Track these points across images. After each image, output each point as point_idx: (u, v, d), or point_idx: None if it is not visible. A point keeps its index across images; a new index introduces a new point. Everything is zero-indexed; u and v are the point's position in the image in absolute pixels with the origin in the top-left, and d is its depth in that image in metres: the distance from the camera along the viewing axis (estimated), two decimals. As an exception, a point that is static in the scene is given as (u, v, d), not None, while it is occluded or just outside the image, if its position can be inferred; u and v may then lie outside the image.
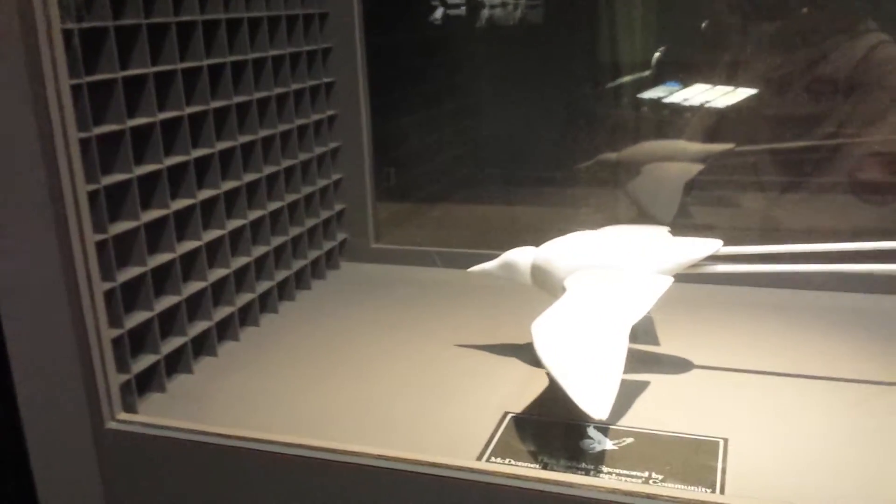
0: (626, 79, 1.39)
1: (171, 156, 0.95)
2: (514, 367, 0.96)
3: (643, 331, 1.03)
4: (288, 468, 0.77)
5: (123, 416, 0.82)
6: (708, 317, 1.07)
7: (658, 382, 0.91)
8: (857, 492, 0.72)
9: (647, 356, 0.98)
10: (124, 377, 0.85)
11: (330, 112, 1.26)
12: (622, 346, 0.77)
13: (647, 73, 1.36)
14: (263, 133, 1.10)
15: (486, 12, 1.45)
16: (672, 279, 0.87)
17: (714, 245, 0.90)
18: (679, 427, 0.82)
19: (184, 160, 0.96)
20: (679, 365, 0.95)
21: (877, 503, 0.70)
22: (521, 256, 0.96)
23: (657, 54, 1.35)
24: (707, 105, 1.30)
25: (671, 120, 1.34)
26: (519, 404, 0.87)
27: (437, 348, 1.02)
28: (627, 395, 0.88)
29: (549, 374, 0.75)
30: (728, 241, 0.91)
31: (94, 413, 0.80)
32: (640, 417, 0.84)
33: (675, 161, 1.33)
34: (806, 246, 0.90)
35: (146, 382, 0.91)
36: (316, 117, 1.22)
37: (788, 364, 0.94)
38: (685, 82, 1.32)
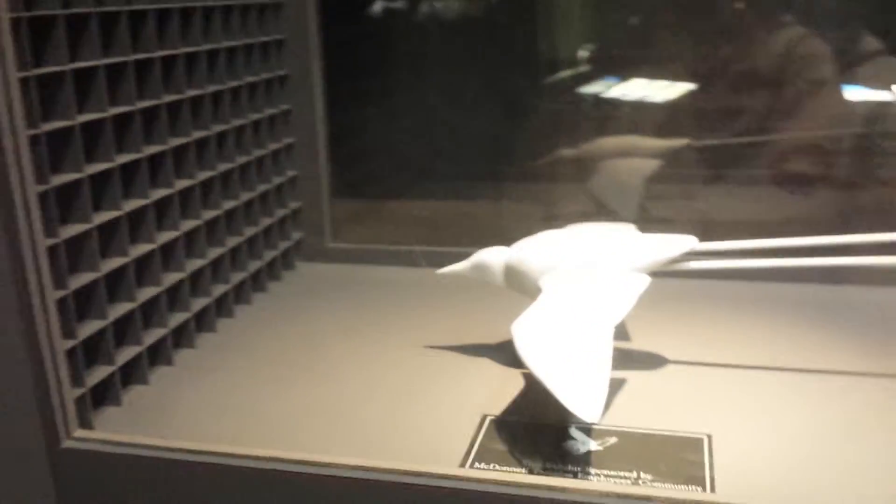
0: (567, 73, 1.38)
1: (122, 153, 0.89)
2: (487, 367, 0.93)
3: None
4: (260, 483, 0.73)
5: (80, 433, 0.77)
6: (676, 311, 1.07)
7: (633, 379, 0.90)
8: (843, 484, 0.71)
9: (618, 352, 0.96)
10: (79, 391, 0.80)
11: (284, 107, 1.21)
12: (607, 346, 0.75)
13: (586, 68, 1.35)
14: (217, 129, 1.05)
15: (425, 6, 1.42)
16: (650, 278, 0.86)
17: (689, 242, 0.89)
18: (660, 424, 0.80)
19: (136, 157, 0.90)
20: (652, 361, 0.94)
21: (862, 495, 0.70)
22: (494, 257, 0.94)
23: (582, 52, 1.35)
24: (646, 100, 1.30)
25: (612, 115, 1.34)
26: (496, 406, 0.84)
27: (406, 350, 0.98)
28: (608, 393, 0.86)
29: (532, 377, 0.73)
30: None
31: (48, 432, 0.74)
32: (621, 416, 0.82)
33: (631, 157, 1.32)
34: (779, 241, 0.89)
35: (101, 396, 0.85)
36: (270, 112, 1.18)
37: (763, 357, 0.93)
38: (624, 77, 1.32)
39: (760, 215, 1.25)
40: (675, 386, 0.88)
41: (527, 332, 0.77)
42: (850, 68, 1.18)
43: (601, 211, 1.31)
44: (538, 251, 0.91)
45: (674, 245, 0.89)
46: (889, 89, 1.18)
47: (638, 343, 0.98)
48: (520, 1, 1.39)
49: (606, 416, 0.82)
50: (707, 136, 1.27)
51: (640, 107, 1.30)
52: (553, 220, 1.24)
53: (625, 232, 0.96)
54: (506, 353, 0.96)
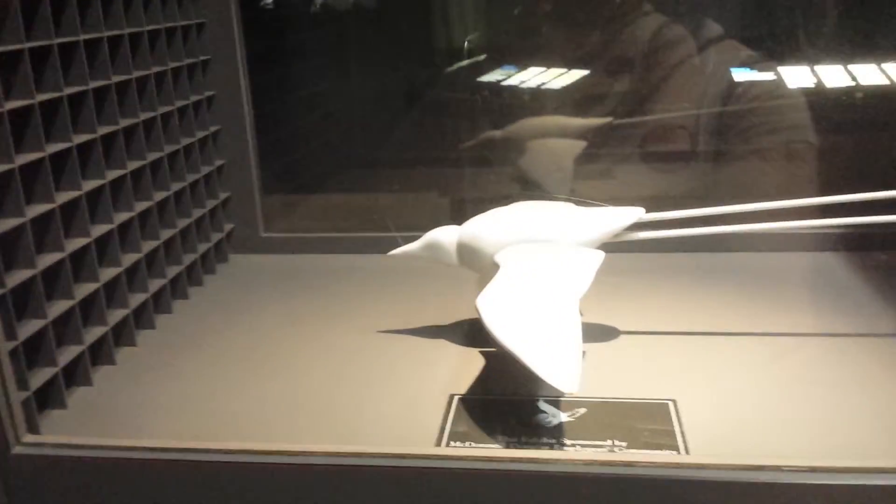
0: (464, 63, 1.39)
1: (51, 143, 0.84)
2: (445, 347, 0.93)
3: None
4: (225, 477, 0.70)
5: (30, 437, 0.72)
6: (619, 284, 1.08)
7: (592, 351, 0.90)
8: (800, 433, 0.74)
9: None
10: (24, 394, 0.75)
11: (208, 93, 1.17)
12: (576, 318, 0.75)
13: (482, 57, 1.37)
14: (144, 116, 1.00)
15: None
16: (603, 254, 0.86)
17: (636, 213, 0.91)
18: (625, 393, 0.81)
19: (66, 147, 0.85)
20: (606, 332, 0.95)
21: (818, 443, 0.73)
22: (445, 235, 0.93)
23: (466, 43, 1.36)
24: (544, 86, 1.33)
25: (513, 103, 1.36)
26: (462, 385, 0.84)
27: (358, 337, 0.96)
28: (564, 366, 0.87)
29: (499, 352, 0.72)
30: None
31: (-4, 438, 0.70)
32: (586, 387, 0.81)
33: (557, 137, 1.34)
34: (720, 209, 0.92)
35: (44, 399, 0.80)
36: (194, 98, 1.13)
37: (711, 323, 0.96)
38: (521, 65, 1.34)
39: (657, 188, 1.30)
40: (632, 355, 0.90)
41: (494, 308, 0.77)
42: (700, 52, 1.24)
43: (530, 189, 1.32)
44: (491, 227, 0.91)
45: (622, 216, 0.91)
46: (734, 69, 1.24)
47: (589, 316, 0.99)
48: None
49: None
50: (602, 115, 1.31)
51: (538, 93, 1.33)
52: (484, 202, 1.24)
53: (570, 207, 0.97)
54: (462, 333, 0.96)
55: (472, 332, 0.95)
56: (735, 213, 0.92)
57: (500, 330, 0.74)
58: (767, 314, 0.98)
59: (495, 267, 0.86)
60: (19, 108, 0.78)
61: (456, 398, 0.81)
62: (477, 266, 0.91)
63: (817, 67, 1.21)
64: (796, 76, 1.22)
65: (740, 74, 1.24)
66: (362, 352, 0.92)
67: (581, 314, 0.99)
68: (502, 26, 1.38)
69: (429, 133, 1.39)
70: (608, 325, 0.97)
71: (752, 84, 1.24)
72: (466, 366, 0.88)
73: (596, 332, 0.95)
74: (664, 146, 1.29)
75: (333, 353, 0.93)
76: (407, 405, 0.81)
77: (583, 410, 0.78)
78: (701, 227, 0.93)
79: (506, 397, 0.81)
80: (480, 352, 0.91)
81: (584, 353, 0.89)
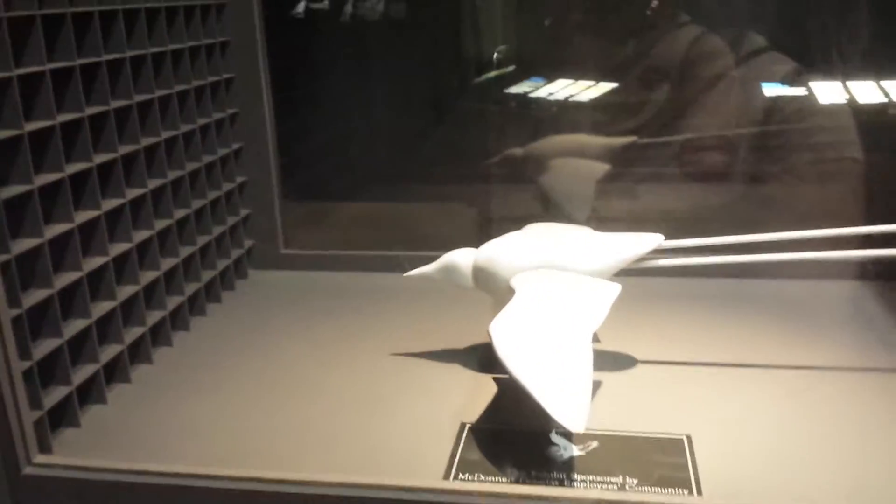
0: (492, 74, 1.38)
1: (71, 163, 0.85)
2: (459, 373, 0.92)
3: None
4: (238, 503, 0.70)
5: (41, 458, 0.72)
6: (638, 310, 1.06)
7: (607, 380, 0.89)
8: (818, 476, 0.72)
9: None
10: (37, 414, 0.75)
11: (231, 110, 1.17)
12: (588, 354, 0.74)
13: (510, 68, 1.36)
14: (166, 134, 1.01)
15: (349, 7, 1.40)
16: (619, 287, 0.85)
17: (655, 239, 0.90)
18: (639, 426, 0.80)
19: (86, 167, 0.86)
20: (622, 361, 0.94)
21: (836, 485, 0.71)
22: (462, 258, 0.92)
23: (495, 54, 1.35)
24: (572, 98, 1.31)
25: (540, 116, 1.35)
26: (473, 414, 0.83)
27: (372, 359, 0.96)
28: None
29: (511, 381, 0.71)
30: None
31: (7, 458, 0.70)
32: (599, 419, 0.81)
33: (580, 155, 1.33)
34: (742, 237, 0.90)
35: (58, 418, 0.81)
36: (217, 116, 1.14)
37: (731, 354, 0.94)
38: (549, 77, 1.33)
39: (686, 209, 1.28)
40: (648, 386, 0.89)
41: (506, 335, 0.76)
42: (741, 64, 1.22)
43: (550, 209, 1.31)
44: (508, 251, 0.90)
45: (641, 243, 0.90)
46: (778, 83, 1.21)
47: (606, 344, 0.98)
48: (449, 6, 1.38)
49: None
50: (631, 131, 1.29)
51: (566, 106, 1.31)
52: (508, 221, 1.23)
53: (584, 233, 0.96)
54: (475, 358, 0.95)
55: (487, 358, 0.94)
56: (760, 241, 0.90)
57: (512, 360, 0.73)
58: (791, 345, 0.96)
59: (511, 291, 0.85)
60: (40, 130, 0.79)
61: (467, 427, 0.80)
62: (492, 290, 0.91)
63: (864, 82, 1.17)
64: (842, 90, 1.18)
65: (783, 89, 1.21)
66: (376, 375, 0.92)
67: (597, 340, 0.99)
68: (533, 37, 1.37)
69: (455, 148, 1.39)
70: (625, 353, 0.96)
71: (794, 99, 1.20)
72: (479, 393, 0.87)
73: (612, 361, 0.94)
74: (700, 166, 1.26)
75: (347, 376, 0.92)
76: (418, 433, 0.80)
77: (595, 444, 0.77)
78: (722, 254, 0.92)
79: (517, 428, 0.80)
80: (494, 378, 0.90)
81: (599, 382, 0.88)
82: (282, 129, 1.24)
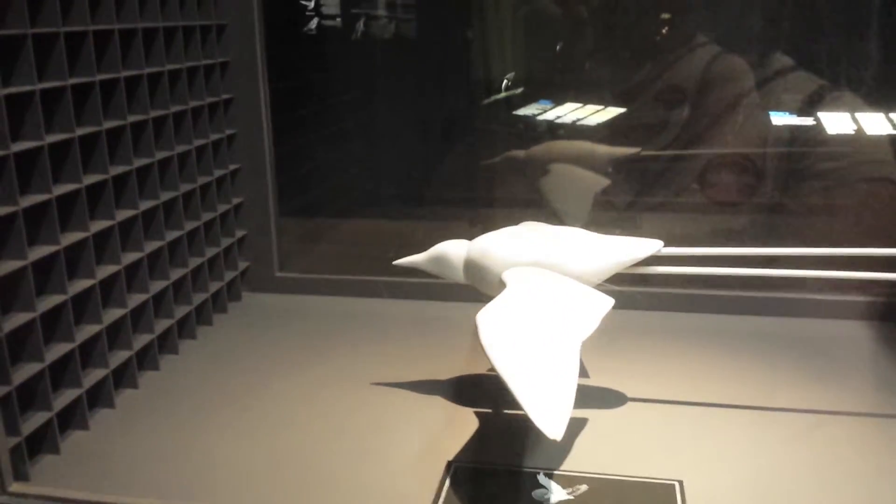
0: (501, 96, 1.37)
1: (59, 183, 0.84)
2: (445, 407, 0.90)
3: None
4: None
5: (17, 486, 0.71)
6: (637, 344, 1.05)
7: (597, 418, 0.87)
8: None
9: (579, 389, 0.94)
10: (14, 440, 0.74)
11: (229, 131, 1.16)
12: (575, 364, 0.71)
13: (519, 90, 1.35)
14: (161, 155, 1.00)
15: (360, 25, 1.39)
16: (612, 301, 0.81)
17: (654, 245, 0.86)
18: (629, 468, 0.78)
19: (75, 188, 0.85)
20: (614, 398, 0.92)
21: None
22: (454, 249, 0.89)
23: (505, 81, 1.34)
24: (577, 122, 1.30)
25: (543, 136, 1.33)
26: (459, 451, 0.81)
27: (359, 389, 0.94)
28: (569, 434, 0.84)
29: (497, 375, 0.69)
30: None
31: (-21, 488, 0.69)
32: (587, 460, 0.80)
33: (582, 162, 1.30)
34: (741, 249, 0.88)
35: (37, 444, 0.79)
36: (215, 137, 1.13)
37: (727, 393, 0.92)
38: (556, 100, 1.32)
39: (691, 228, 1.26)
40: (640, 425, 0.86)
41: (493, 326, 0.72)
42: (765, 85, 1.20)
43: (548, 213, 1.28)
44: (502, 245, 0.86)
45: (639, 247, 0.86)
46: (806, 104, 1.19)
47: (598, 379, 0.96)
48: (455, 27, 1.37)
49: (574, 460, 0.79)
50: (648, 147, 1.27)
51: (574, 128, 1.30)
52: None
53: (585, 233, 0.92)
54: (463, 389, 0.93)
55: (476, 389, 0.92)
56: (762, 255, 0.87)
57: (496, 353, 0.70)
58: (792, 386, 0.94)
59: (502, 286, 0.82)
60: (28, 150, 0.78)
61: (453, 466, 0.78)
62: (483, 284, 0.87)
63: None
64: (874, 112, 1.15)
65: (809, 109, 1.17)
66: (359, 406, 0.90)
67: (587, 375, 0.96)
68: (543, 61, 1.35)
69: (458, 169, 1.38)
70: (616, 389, 0.94)
71: (820, 121, 1.17)
72: (464, 428, 0.85)
73: (603, 397, 0.92)
74: (718, 187, 1.24)
75: (332, 408, 0.90)
76: (400, 471, 0.78)
77: (584, 487, 0.75)
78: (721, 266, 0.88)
79: (504, 468, 0.78)
80: (481, 413, 0.88)
81: (588, 420, 0.86)
82: (280, 151, 1.23)
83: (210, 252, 1.12)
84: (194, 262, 1.08)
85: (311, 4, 1.35)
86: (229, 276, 1.18)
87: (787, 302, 1.12)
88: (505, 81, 1.35)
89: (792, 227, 1.23)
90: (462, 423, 0.86)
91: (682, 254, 0.87)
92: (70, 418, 0.84)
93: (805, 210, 1.22)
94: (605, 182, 1.27)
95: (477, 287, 0.89)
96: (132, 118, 0.94)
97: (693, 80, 1.22)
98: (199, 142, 1.08)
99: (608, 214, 1.28)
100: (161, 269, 1.00)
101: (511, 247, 0.86)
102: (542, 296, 0.80)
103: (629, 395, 0.93)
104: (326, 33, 1.38)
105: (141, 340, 0.96)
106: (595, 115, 1.29)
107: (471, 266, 0.88)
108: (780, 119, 1.20)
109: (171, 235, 1.02)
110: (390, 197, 1.47)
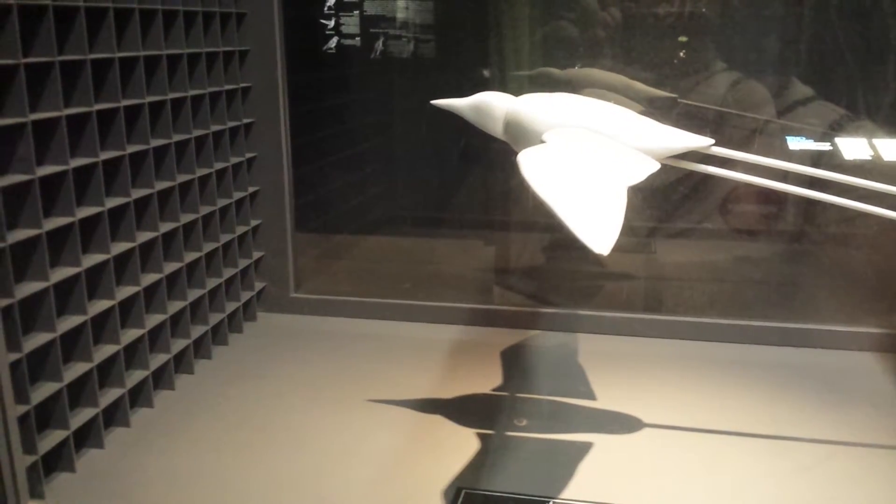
0: None
1: (82, 206, 0.86)
2: (458, 432, 0.91)
3: (581, 383, 1.01)
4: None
5: (31, 505, 0.72)
6: (654, 371, 1.05)
7: (609, 444, 0.88)
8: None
9: (589, 414, 0.95)
10: (31, 458, 0.75)
11: (249, 155, 1.18)
12: (622, 192, 0.68)
13: None
14: (182, 178, 1.02)
15: (379, 45, 1.41)
16: (658, 164, 0.77)
17: (705, 142, 0.82)
18: (641, 498, 0.78)
19: (97, 211, 0.87)
20: (627, 426, 0.92)
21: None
22: (498, 101, 0.85)
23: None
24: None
25: None
26: (470, 477, 0.82)
27: (372, 412, 0.95)
28: (576, 461, 0.85)
29: (542, 202, 0.66)
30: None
31: (-4, 505, 0.70)
32: (598, 488, 0.80)
33: (618, 93, 1.27)
34: (790, 165, 0.86)
35: (53, 462, 0.81)
36: (235, 160, 1.15)
37: (740, 422, 0.92)
38: None
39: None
40: (652, 453, 0.87)
41: (537, 162, 0.69)
42: (787, 112, 1.20)
43: None
44: (551, 105, 0.82)
45: (689, 139, 0.82)
46: (825, 131, 1.19)
47: (610, 404, 0.96)
48: (473, 46, 1.38)
49: (586, 488, 0.80)
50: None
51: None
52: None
53: (638, 115, 0.86)
54: (478, 414, 0.94)
55: (487, 413, 0.93)
56: (811, 176, 0.84)
57: (540, 183, 0.67)
58: (804, 417, 0.94)
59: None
60: (53, 175, 0.80)
61: (463, 492, 0.79)
62: (522, 141, 0.82)
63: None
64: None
65: (830, 136, 1.16)
66: (372, 429, 0.91)
67: (595, 399, 0.96)
68: (563, 82, 1.36)
69: (472, 192, 1.38)
70: (631, 415, 0.94)
71: (841, 147, 1.15)
72: (479, 455, 0.86)
73: (616, 423, 0.92)
74: (736, 214, 1.24)
75: (344, 431, 0.91)
76: (412, 496, 0.79)
77: (591, 516, 0.76)
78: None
79: (511, 495, 0.79)
80: (492, 436, 0.89)
81: (600, 446, 0.87)
82: (299, 173, 1.25)
83: (227, 273, 1.13)
84: (212, 282, 1.09)
85: (332, 24, 1.37)
86: (245, 296, 1.19)
87: (802, 332, 1.12)
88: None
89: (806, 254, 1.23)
90: (479, 450, 0.87)
91: (730, 156, 0.84)
92: (86, 437, 0.86)
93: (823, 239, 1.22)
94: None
95: (513, 144, 0.85)
96: (155, 142, 0.96)
97: (715, 104, 1.22)
98: (219, 165, 1.10)
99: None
100: (179, 289, 1.02)
101: (559, 108, 0.82)
102: (588, 147, 0.77)
103: (644, 421, 0.93)
104: (346, 52, 1.39)
105: (157, 360, 0.98)
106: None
107: (512, 121, 0.84)
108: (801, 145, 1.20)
109: (190, 257, 1.04)
110: (406, 217, 1.48)
